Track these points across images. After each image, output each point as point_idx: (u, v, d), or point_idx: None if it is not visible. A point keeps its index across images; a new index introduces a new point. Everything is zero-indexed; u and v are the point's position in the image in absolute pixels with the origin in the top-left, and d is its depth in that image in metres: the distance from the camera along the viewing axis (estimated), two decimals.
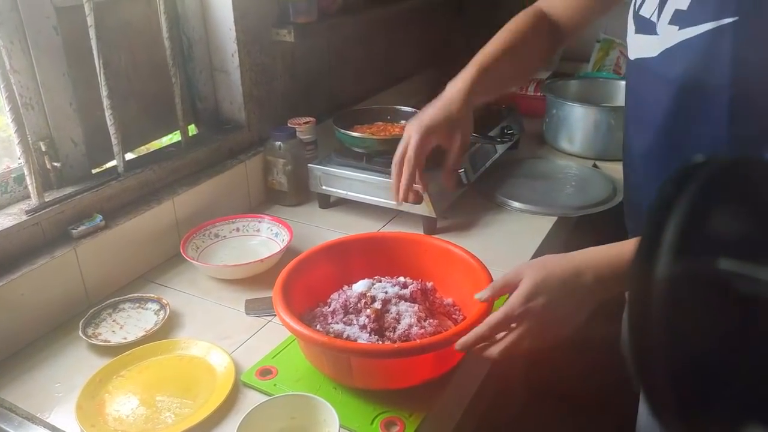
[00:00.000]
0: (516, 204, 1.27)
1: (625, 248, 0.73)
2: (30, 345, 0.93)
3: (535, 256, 1.11)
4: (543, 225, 1.20)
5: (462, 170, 1.22)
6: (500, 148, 1.41)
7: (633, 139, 0.90)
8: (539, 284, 0.72)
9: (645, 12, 0.81)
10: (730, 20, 0.68)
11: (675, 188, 0.34)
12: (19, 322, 0.92)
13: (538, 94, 1.73)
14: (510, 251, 1.12)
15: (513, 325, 0.73)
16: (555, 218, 1.22)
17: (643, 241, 0.34)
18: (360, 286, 0.90)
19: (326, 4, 1.43)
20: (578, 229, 1.30)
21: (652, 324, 0.32)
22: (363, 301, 0.87)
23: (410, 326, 0.84)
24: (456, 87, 0.96)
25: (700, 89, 0.73)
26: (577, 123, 1.47)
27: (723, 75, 0.69)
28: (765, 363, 0.32)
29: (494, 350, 0.74)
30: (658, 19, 0.78)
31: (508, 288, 0.75)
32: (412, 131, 0.94)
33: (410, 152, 0.94)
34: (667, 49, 0.76)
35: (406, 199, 0.96)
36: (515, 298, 0.72)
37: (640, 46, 0.82)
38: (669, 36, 0.75)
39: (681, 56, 0.74)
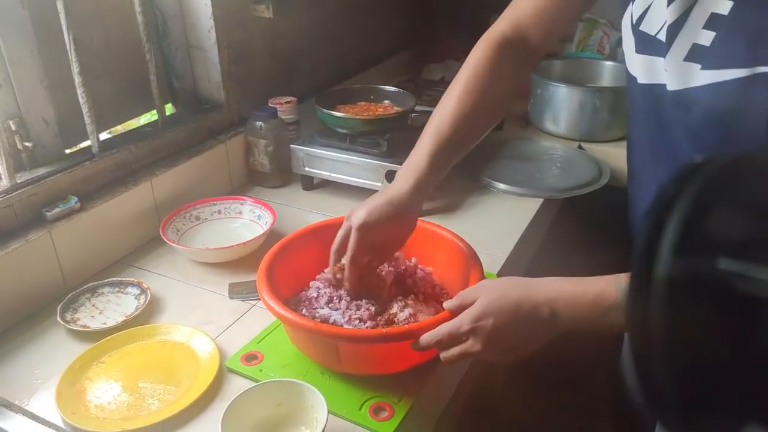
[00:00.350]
0: (502, 186, 1.26)
1: (589, 288, 0.69)
2: (6, 331, 0.91)
3: (522, 238, 1.11)
4: (529, 207, 1.20)
5: None
6: None
7: (642, 164, 0.83)
8: (491, 305, 0.71)
9: (647, 28, 0.72)
10: (766, 69, 0.60)
11: (675, 188, 0.34)
12: None
13: None
14: (496, 233, 1.11)
15: (463, 338, 0.73)
16: (541, 200, 1.22)
17: (643, 241, 0.33)
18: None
19: None
20: (564, 210, 1.30)
21: (653, 324, 0.32)
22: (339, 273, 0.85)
23: (398, 310, 0.82)
24: (407, 178, 0.82)
25: (729, 139, 0.65)
26: (562, 104, 1.46)
27: (758, 129, 0.61)
28: (765, 363, 0.32)
29: (445, 355, 0.74)
30: (669, 45, 0.68)
31: (466, 303, 0.74)
32: (353, 222, 0.81)
33: (348, 253, 0.81)
34: (688, 89, 0.67)
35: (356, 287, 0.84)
36: (467, 314, 0.72)
37: (649, 70, 0.73)
38: (688, 73, 0.66)
39: (706, 99, 0.66)
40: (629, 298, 0.34)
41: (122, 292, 0.98)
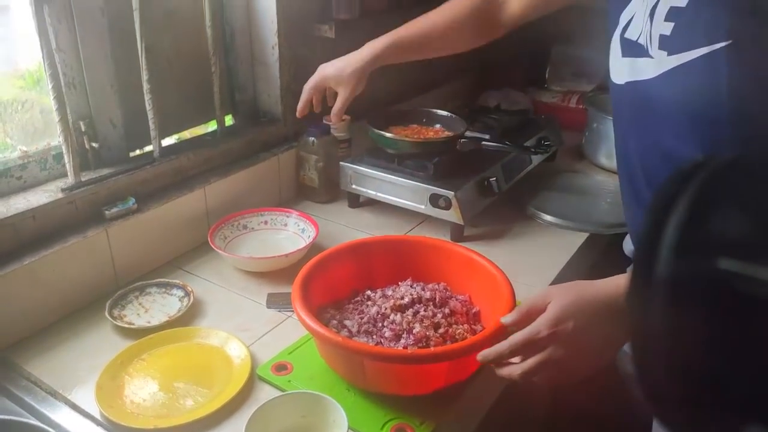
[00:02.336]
0: (547, 217, 1.25)
1: None
2: (58, 322, 0.96)
3: (562, 272, 1.09)
4: (574, 240, 1.18)
5: (494, 179, 1.21)
6: (536, 159, 1.39)
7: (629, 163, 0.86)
8: (569, 307, 0.69)
9: (631, 35, 0.78)
10: (723, 44, 0.65)
11: (675, 188, 0.34)
12: (49, 298, 0.95)
13: (580, 106, 1.69)
14: (537, 265, 1.10)
15: (542, 345, 0.70)
16: (586, 234, 1.20)
17: (644, 241, 0.33)
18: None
19: (371, 2, 1.43)
20: (611, 248, 1.27)
21: (653, 324, 0.32)
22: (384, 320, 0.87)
23: (426, 334, 0.83)
24: (362, 55, 1.11)
25: (699, 116, 0.70)
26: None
27: (721, 103, 0.66)
28: (765, 363, 0.31)
29: (514, 371, 0.71)
30: (650, 42, 0.75)
31: (535, 311, 0.71)
32: (315, 74, 1.15)
33: (306, 86, 1.16)
34: (663, 72, 0.73)
35: (302, 114, 1.18)
36: (543, 319, 0.69)
37: (631, 69, 0.79)
38: (662, 61, 0.73)
39: (677, 81, 0.72)
40: (630, 298, 0.34)
41: (168, 293, 1.02)
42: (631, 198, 0.87)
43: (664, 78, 0.73)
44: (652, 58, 0.74)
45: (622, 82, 0.81)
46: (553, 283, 1.07)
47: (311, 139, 1.30)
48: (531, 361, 0.70)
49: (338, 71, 1.12)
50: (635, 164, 0.83)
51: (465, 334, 0.85)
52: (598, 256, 1.23)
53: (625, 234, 1.21)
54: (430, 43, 1.13)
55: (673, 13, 0.70)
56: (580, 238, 1.19)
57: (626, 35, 0.79)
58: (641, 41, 0.76)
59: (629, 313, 0.35)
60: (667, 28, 0.71)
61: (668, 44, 0.71)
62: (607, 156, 1.47)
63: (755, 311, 0.31)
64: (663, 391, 0.33)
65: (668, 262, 0.32)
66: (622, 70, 0.81)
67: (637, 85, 0.78)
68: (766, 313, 0.30)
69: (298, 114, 1.17)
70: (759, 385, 0.31)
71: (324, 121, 1.35)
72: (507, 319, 0.75)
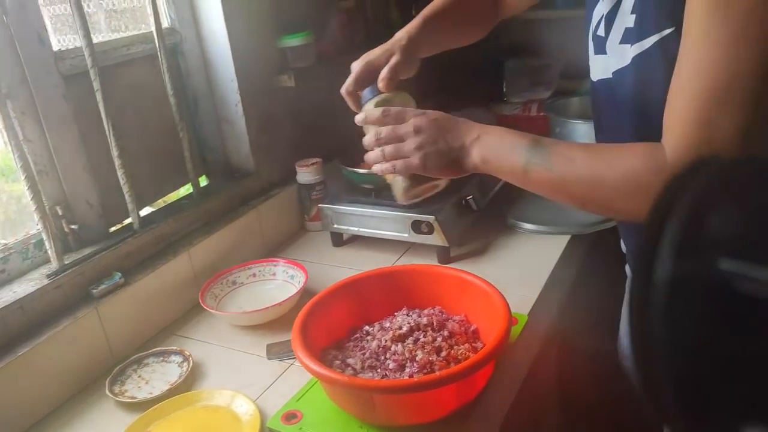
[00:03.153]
0: (528, 225, 1.27)
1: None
2: (60, 407, 0.95)
3: (550, 277, 1.11)
4: (557, 245, 1.20)
5: (470, 197, 1.23)
6: None
7: None
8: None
9: (600, 31, 0.82)
10: (670, 30, 0.68)
11: (675, 188, 0.34)
12: (47, 385, 0.94)
13: (540, 114, 1.74)
14: (525, 274, 1.11)
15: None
16: (568, 237, 1.22)
17: (644, 242, 0.34)
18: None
19: (324, 48, 1.47)
20: (597, 246, 1.29)
21: (653, 324, 0.32)
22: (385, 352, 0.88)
23: (429, 360, 0.83)
24: (400, 34, 1.03)
25: (652, 105, 0.71)
26: (582, 140, 1.47)
27: (664, 90, 0.68)
28: (765, 363, 0.32)
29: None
30: (607, 37, 0.79)
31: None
32: (353, 65, 1.03)
33: (348, 80, 1.02)
34: (621, 68, 0.76)
35: (349, 90, 1.03)
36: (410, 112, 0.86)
37: (599, 68, 0.83)
38: (622, 55, 0.76)
39: (633, 73, 0.75)
40: (630, 298, 0.35)
41: (166, 361, 1.02)
42: None
43: (625, 70, 0.75)
44: (606, 54, 0.78)
45: (595, 79, 0.85)
46: (545, 289, 1.08)
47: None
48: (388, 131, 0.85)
49: (382, 47, 1.03)
50: None
51: (467, 353, 0.86)
52: (584, 256, 1.25)
53: (607, 230, 1.24)
54: (452, 13, 1.07)
55: (635, 6, 0.73)
56: (563, 241, 1.21)
57: (597, 32, 0.82)
58: (601, 34, 0.79)
59: (629, 314, 0.35)
60: (631, 20, 0.74)
61: (630, 36, 0.74)
62: None
63: (755, 311, 0.31)
64: (663, 391, 0.33)
65: (668, 263, 0.32)
66: (595, 67, 0.84)
67: (607, 82, 0.81)
68: (766, 313, 0.31)
69: (344, 90, 1.03)
70: (759, 386, 0.31)
71: (296, 167, 1.37)
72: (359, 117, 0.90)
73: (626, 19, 0.75)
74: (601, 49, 0.82)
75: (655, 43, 0.71)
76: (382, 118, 0.86)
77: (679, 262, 0.32)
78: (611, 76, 0.80)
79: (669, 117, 0.67)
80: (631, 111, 0.78)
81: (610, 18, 0.79)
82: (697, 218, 0.33)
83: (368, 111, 0.90)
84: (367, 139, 0.88)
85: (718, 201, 0.34)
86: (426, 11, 1.06)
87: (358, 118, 0.92)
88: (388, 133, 0.85)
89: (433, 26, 1.05)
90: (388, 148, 0.85)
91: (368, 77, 0.99)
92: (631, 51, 0.74)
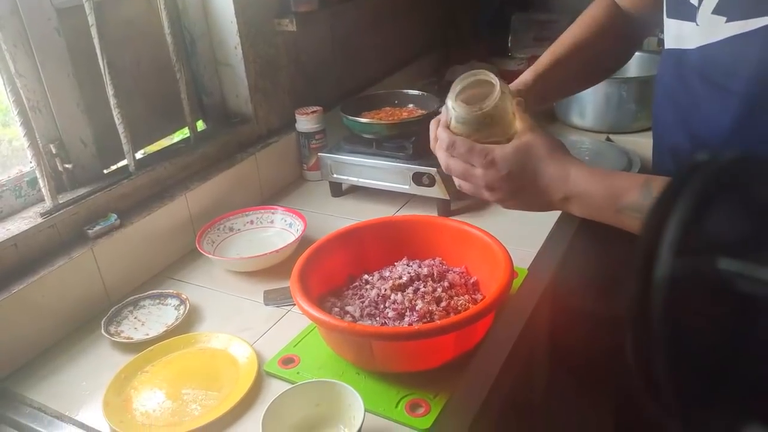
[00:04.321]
0: None
1: (613, 179, 0.67)
2: (54, 345, 0.94)
3: (551, 233, 1.10)
4: None
5: None
6: None
7: (665, 137, 0.82)
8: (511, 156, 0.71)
9: None
10: None
11: (676, 187, 0.34)
12: (41, 323, 0.93)
13: None
14: (526, 229, 1.11)
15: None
16: None
17: (644, 240, 0.33)
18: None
19: None
20: None
21: (653, 323, 0.32)
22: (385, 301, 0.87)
23: (429, 309, 0.83)
24: (523, 78, 0.87)
25: (756, 104, 0.62)
26: (588, 97, 1.45)
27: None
28: (765, 363, 0.32)
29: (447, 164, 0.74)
30: (699, 4, 0.66)
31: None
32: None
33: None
34: (710, 44, 0.64)
35: None
36: (479, 156, 0.72)
37: (675, 35, 0.72)
38: (712, 28, 0.64)
39: (728, 55, 0.63)
40: (629, 298, 0.34)
41: (162, 304, 1.01)
42: (660, 171, 0.84)
43: (716, 47, 0.64)
44: (697, 25, 0.66)
45: (667, 47, 0.75)
46: (545, 246, 1.08)
47: None
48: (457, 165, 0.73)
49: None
50: (666, 140, 0.80)
51: (467, 304, 0.86)
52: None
53: None
54: (579, 51, 0.89)
55: None
56: None
57: None
58: (693, 2, 0.67)
59: (629, 313, 0.35)
60: None
61: (727, 8, 0.62)
62: (579, 115, 1.49)
63: (755, 311, 0.31)
64: (663, 391, 0.33)
65: (668, 262, 0.32)
66: (668, 31, 0.74)
67: (681, 54, 0.71)
68: (766, 313, 0.30)
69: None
70: (759, 385, 0.31)
71: (296, 114, 1.34)
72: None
73: None
74: (678, 12, 0.70)
75: (764, 27, 0.59)
76: (448, 152, 0.74)
77: (678, 262, 0.32)
78: (692, 48, 0.67)
79: None
80: (709, 93, 0.67)
81: None
82: (698, 217, 0.33)
83: (439, 139, 0.76)
84: (440, 158, 0.76)
85: (719, 200, 0.34)
86: (552, 49, 0.88)
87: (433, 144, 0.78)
88: (459, 171, 0.74)
89: (557, 65, 0.87)
90: (463, 183, 0.76)
91: None
92: (725, 27, 0.62)
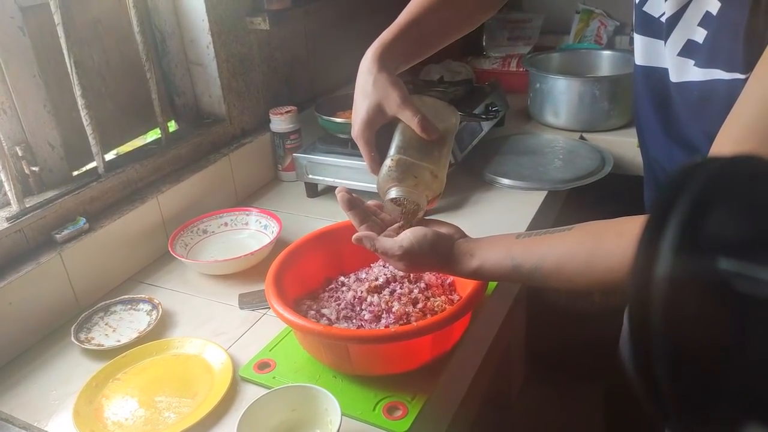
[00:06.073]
0: (505, 181, 1.26)
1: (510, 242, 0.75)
2: (23, 354, 0.92)
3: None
4: (533, 200, 1.20)
5: None
6: (486, 126, 1.40)
7: (650, 143, 0.84)
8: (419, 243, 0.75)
9: (650, 9, 0.72)
10: (743, 77, 0.61)
11: (675, 187, 0.34)
12: (8, 331, 0.90)
13: (521, 69, 1.71)
14: (501, 228, 1.10)
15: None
16: (545, 193, 1.21)
17: (643, 240, 0.33)
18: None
19: None
20: (570, 201, 1.29)
21: (652, 324, 0.32)
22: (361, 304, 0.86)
23: (406, 311, 0.83)
24: (366, 62, 0.86)
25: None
26: (562, 96, 1.46)
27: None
28: (765, 363, 0.32)
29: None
30: (667, 36, 0.68)
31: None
32: (355, 138, 0.87)
33: (366, 158, 0.86)
34: (685, 81, 0.68)
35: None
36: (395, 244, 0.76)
37: (646, 51, 0.74)
38: (683, 67, 0.68)
39: (701, 90, 0.66)
40: (629, 298, 0.34)
41: (134, 309, 0.99)
42: (649, 179, 0.87)
43: (689, 86, 0.68)
44: (669, 57, 0.69)
45: (637, 63, 0.77)
46: None
47: None
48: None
49: (369, 105, 0.85)
50: (651, 152, 0.82)
51: (443, 305, 0.86)
52: (558, 212, 1.25)
53: (583, 186, 1.24)
54: (431, 19, 0.87)
55: (706, 20, 0.64)
56: (540, 196, 1.21)
57: (644, 8, 0.73)
58: (662, 19, 0.70)
59: (628, 313, 0.35)
60: (700, 35, 0.65)
61: (696, 53, 0.66)
62: (553, 114, 1.50)
63: (755, 311, 0.31)
64: (662, 391, 0.33)
65: (668, 262, 0.31)
66: (637, 47, 0.76)
67: (656, 72, 0.73)
68: (766, 313, 0.31)
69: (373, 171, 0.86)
70: (759, 386, 0.31)
71: (270, 114, 1.33)
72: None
73: (692, 29, 0.66)
74: (648, 30, 0.72)
75: (729, 80, 0.63)
76: (368, 246, 0.77)
77: (678, 262, 0.32)
78: (666, 66, 0.70)
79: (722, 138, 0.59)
80: (695, 111, 0.70)
81: (672, 18, 0.68)
82: (698, 218, 0.33)
83: (359, 236, 0.79)
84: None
85: (719, 200, 0.34)
86: (398, 25, 0.86)
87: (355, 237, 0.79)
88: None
89: (410, 40, 0.86)
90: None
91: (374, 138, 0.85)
92: (696, 72, 0.66)
